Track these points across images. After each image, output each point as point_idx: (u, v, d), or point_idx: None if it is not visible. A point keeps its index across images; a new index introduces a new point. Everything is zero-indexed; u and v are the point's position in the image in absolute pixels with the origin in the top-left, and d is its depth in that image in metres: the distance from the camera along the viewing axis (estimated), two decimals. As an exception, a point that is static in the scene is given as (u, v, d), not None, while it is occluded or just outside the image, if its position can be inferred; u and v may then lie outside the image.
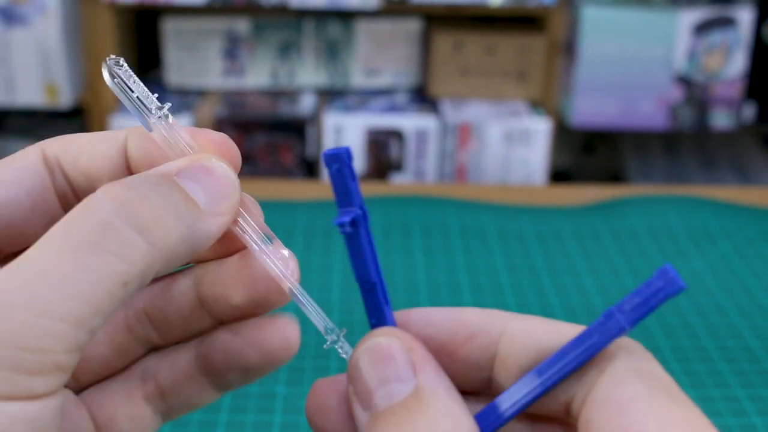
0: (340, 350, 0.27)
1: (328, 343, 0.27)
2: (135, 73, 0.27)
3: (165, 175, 0.25)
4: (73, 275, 0.22)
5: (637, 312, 0.24)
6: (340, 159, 0.25)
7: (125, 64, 0.26)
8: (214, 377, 0.28)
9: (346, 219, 0.25)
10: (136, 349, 0.29)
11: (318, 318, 0.27)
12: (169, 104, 0.27)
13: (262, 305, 0.27)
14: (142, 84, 0.27)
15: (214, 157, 0.26)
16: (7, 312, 0.21)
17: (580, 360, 0.24)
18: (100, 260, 0.22)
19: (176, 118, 0.27)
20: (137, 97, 0.26)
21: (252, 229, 0.27)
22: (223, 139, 0.27)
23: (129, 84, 0.26)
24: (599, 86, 1.45)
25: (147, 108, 0.27)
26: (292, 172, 1.45)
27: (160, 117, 0.27)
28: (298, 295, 0.27)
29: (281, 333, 0.27)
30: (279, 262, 0.26)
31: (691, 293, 0.58)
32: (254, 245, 0.27)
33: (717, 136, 1.70)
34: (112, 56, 0.26)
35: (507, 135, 1.44)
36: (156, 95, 0.27)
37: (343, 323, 0.53)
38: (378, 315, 0.26)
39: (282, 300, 0.27)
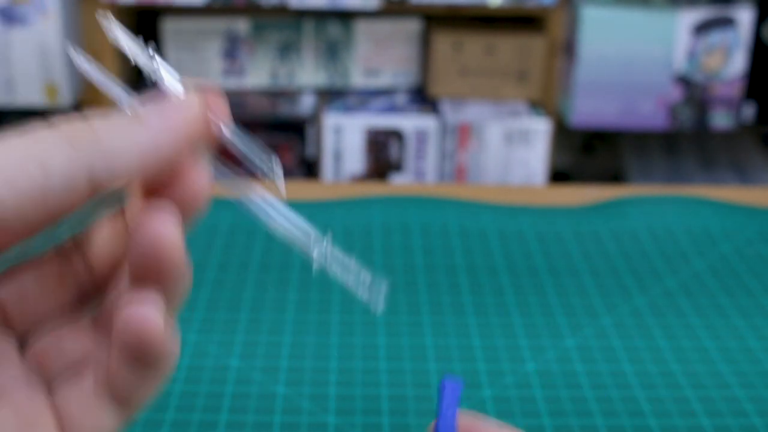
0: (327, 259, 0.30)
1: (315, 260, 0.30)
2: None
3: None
4: None
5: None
6: (453, 385, 0.33)
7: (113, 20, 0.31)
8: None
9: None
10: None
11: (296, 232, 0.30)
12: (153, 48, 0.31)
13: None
14: (131, 41, 0.31)
15: (185, 93, 0.29)
16: None
17: None
18: (16, 144, 0.26)
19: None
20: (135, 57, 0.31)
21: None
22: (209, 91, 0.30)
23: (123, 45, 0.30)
24: (599, 86, 1.45)
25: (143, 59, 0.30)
26: (292, 172, 1.45)
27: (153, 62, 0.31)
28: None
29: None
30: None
31: (691, 294, 0.58)
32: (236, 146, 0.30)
33: (717, 136, 1.70)
34: (103, 14, 0.31)
35: (507, 135, 1.44)
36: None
37: (344, 323, 0.53)
38: None
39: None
